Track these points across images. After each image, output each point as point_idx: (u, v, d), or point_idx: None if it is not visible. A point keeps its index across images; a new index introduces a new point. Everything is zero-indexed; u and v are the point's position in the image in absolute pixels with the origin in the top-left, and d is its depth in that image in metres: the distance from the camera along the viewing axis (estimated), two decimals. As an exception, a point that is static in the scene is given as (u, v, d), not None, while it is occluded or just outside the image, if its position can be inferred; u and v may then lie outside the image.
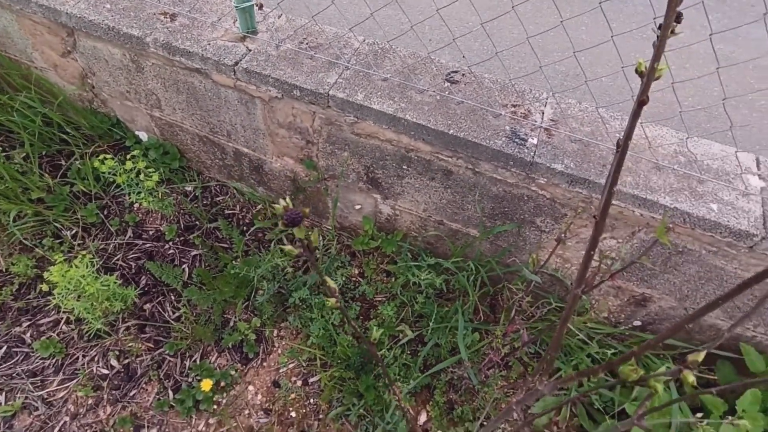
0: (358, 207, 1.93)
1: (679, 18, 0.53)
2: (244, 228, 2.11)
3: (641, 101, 0.60)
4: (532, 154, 1.38)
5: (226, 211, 2.18)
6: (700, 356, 0.66)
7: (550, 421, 1.76)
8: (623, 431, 0.84)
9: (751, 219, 1.29)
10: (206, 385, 1.65)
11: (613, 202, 1.37)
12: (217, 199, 2.21)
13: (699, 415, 1.60)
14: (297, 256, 1.94)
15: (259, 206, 2.19)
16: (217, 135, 1.94)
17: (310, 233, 0.70)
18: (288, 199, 0.68)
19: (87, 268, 1.60)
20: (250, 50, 1.60)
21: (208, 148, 2.05)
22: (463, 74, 1.57)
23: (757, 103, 2.73)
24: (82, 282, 1.57)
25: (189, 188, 2.20)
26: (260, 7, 1.57)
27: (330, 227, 2.04)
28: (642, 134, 1.45)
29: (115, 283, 1.64)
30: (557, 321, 1.62)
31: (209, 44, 1.60)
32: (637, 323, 1.81)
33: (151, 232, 2.08)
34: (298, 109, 1.62)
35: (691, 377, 0.64)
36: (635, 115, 0.63)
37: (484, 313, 1.83)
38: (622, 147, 0.65)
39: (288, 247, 0.74)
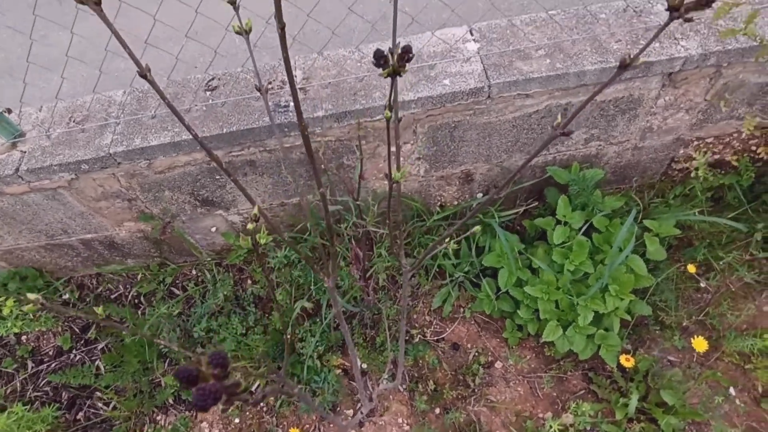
0: (213, 229, 2.06)
1: None
2: (135, 301, 2.19)
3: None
4: (291, 116, 1.57)
5: (112, 296, 2.24)
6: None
7: (453, 307, 2.02)
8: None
9: (475, 77, 1.56)
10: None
11: (377, 117, 1.60)
12: (98, 290, 2.26)
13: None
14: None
15: (139, 275, 2.27)
16: (56, 237, 1.99)
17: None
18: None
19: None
20: (24, 152, 1.66)
21: (57, 252, 2.09)
22: (219, 78, 1.73)
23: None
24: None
25: (66, 296, 2.23)
26: (9, 112, 1.63)
27: (205, 260, 2.17)
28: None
29: (23, 409, 1.70)
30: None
31: (-16, 166, 1.65)
32: (480, 195, 2.09)
33: (50, 352, 2.12)
34: (99, 178, 1.71)
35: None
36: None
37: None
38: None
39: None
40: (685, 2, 0.45)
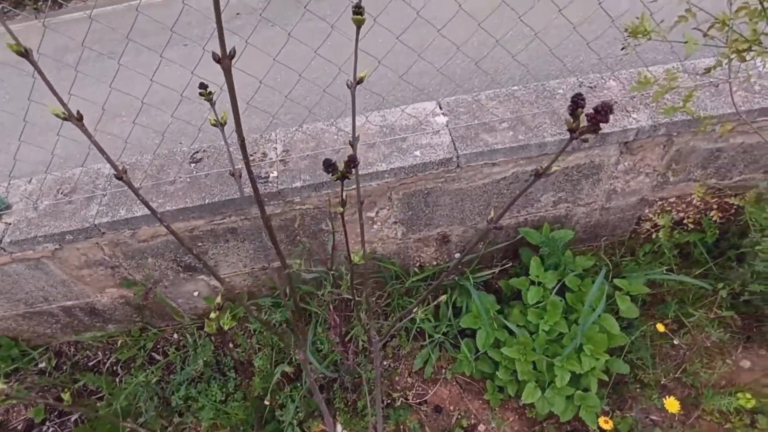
0: (196, 293, 2.08)
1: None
2: (114, 368, 2.16)
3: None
4: (276, 185, 1.65)
5: (90, 363, 2.21)
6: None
7: (434, 368, 2.02)
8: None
9: (444, 148, 1.67)
10: None
11: (353, 186, 1.69)
12: (76, 357, 2.23)
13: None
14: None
15: (119, 341, 2.25)
16: (35, 305, 2.00)
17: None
18: None
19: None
20: (9, 224, 1.71)
21: (36, 320, 2.09)
22: (204, 150, 1.82)
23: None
24: None
25: (42, 364, 2.20)
26: (-2, 185, 1.69)
27: (186, 324, 2.17)
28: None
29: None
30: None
31: (-30, 238, 1.69)
32: (457, 255, 2.15)
33: (19, 427, 2.05)
34: (83, 248, 1.75)
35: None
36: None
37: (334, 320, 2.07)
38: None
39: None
40: (580, 128, 0.53)
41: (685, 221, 2.09)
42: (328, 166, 0.74)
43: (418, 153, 1.67)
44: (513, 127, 1.70)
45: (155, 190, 1.71)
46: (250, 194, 1.63)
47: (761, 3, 1.14)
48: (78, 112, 0.65)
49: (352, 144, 0.87)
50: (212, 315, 0.72)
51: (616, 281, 1.87)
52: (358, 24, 0.80)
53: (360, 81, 0.85)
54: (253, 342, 2.02)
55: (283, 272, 1.89)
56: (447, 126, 1.74)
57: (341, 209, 0.89)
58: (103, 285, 1.95)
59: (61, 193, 1.78)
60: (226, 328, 0.75)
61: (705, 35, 1.19)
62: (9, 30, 0.59)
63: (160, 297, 2.03)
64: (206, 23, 4.94)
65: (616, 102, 1.73)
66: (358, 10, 0.77)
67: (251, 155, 1.76)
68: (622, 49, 1.23)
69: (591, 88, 1.80)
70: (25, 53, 0.59)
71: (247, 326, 2.12)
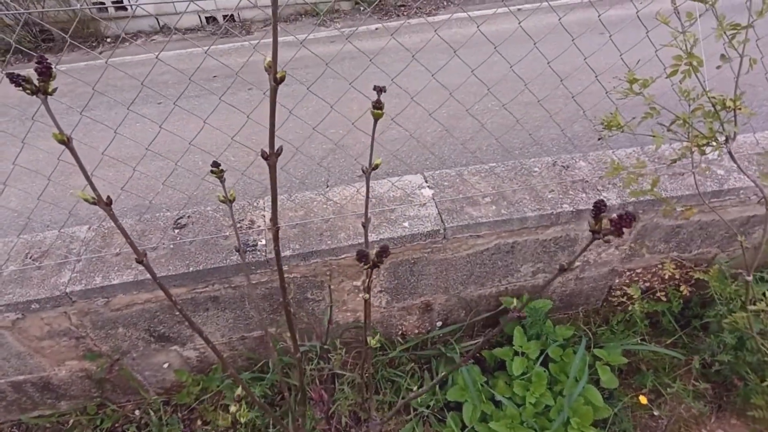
0: (166, 365, 1.95)
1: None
2: (62, 451, 1.94)
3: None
4: (264, 254, 1.63)
5: (35, 447, 1.97)
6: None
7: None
8: None
9: (432, 220, 1.73)
10: None
11: (342, 256, 1.70)
12: (19, 440, 1.99)
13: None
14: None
15: (71, 420, 2.04)
16: (-19, 380, 1.80)
17: None
18: None
19: None
20: (-31, 291, 1.58)
21: (-21, 397, 1.87)
22: (189, 216, 1.79)
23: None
24: None
25: (-22, 449, 1.94)
26: (-39, 249, 1.58)
27: (152, 398, 2.01)
28: (343, 195, 1.83)
29: None
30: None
31: None
32: (439, 323, 2.16)
33: None
34: (49, 317, 1.63)
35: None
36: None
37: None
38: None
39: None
40: (603, 229, 0.58)
41: (653, 291, 2.21)
42: (362, 256, 0.75)
43: (406, 224, 1.71)
44: (495, 202, 1.79)
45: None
46: (236, 263, 1.61)
47: (713, 106, 1.31)
48: (108, 197, 0.65)
49: (364, 225, 0.90)
50: (232, 408, 0.69)
51: (595, 351, 1.91)
52: (376, 117, 0.85)
53: (375, 167, 0.90)
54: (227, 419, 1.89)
55: (276, 330, 1.81)
56: (433, 199, 1.82)
57: (367, 296, 0.89)
58: (63, 357, 1.79)
59: (30, 258, 1.67)
60: (242, 421, 0.72)
61: (668, 130, 1.34)
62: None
63: (126, 370, 1.89)
64: (181, 83, 5.02)
65: (587, 181, 1.87)
66: (378, 105, 0.83)
67: (238, 222, 1.75)
68: (599, 139, 1.37)
69: (564, 167, 1.94)
70: (65, 141, 0.59)
71: (221, 402, 1.99)
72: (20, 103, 4.44)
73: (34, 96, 0.56)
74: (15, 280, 1.61)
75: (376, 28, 6.13)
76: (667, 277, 2.04)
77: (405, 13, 6.54)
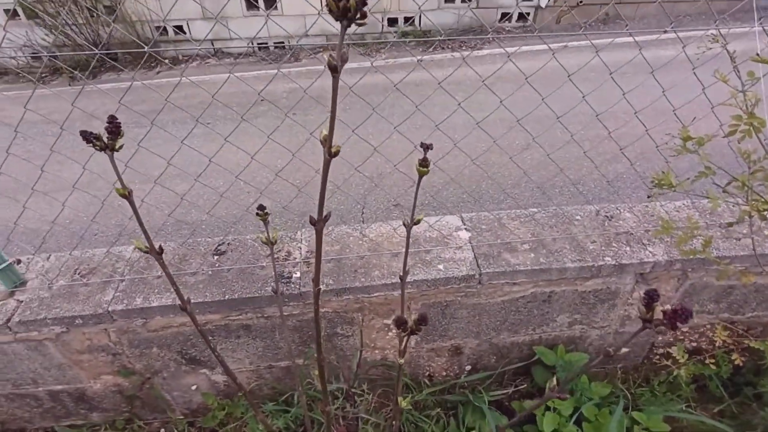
0: (194, 387, 1.98)
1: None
2: (89, 463, 1.98)
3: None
4: (298, 287, 1.65)
5: (64, 456, 2.03)
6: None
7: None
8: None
9: (467, 264, 1.70)
10: None
11: (375, 294, 1.69)
12: (50, 447, 2.05)
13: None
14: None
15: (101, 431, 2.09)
16: (22, 387, 1.88)
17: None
18: None
19: None
20: (21, 302, 1.67)
21: (18, 402, 1.95)
22: (229, 243, 1.84)
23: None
24: None
25: (12, 452, 2.02)
26: (18, 262, 1.68)
27: (178, 418, 2.03)
28: (379, 232, 1.84)
29: None
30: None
31: (-24, 314, 1.64)
32: (468, 367, 2.10)
33: None
34: (90, 332, 1.70)
35: None
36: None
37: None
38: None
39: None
40: (654, 319, 0.55)
41: (700, 353, 2.08)
42: (400, 323, 0.75)
43: (441, 267, 1.69)
44: (534, 249, 1.75)
45: (176, 280, 1.69)
46: (270, 294, 1.63)
47: (775, 169, 1.24)
48: (160, 246, 0.67)
49: (402, 279, 0.89)
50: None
51: (634, 414, 1.80)
52: (422, 175, 0.85)
53: (417, 222, 0.90)
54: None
55: (303, 361, 1.81)
56: (470, 242, 1.79)
57: (401, 360, 0.87)
58: (99, 371, 1.85)
59: (78, 274, 1.76)
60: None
61: (724, 191, 1.28)
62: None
63: (156, 389, 1.93)
64: (229, 105, 5.25)
65: (631, 234, 1.80)
66: (424, 163, 0.83)
67: (275, 253, 1.78)
68: (649, 197, 1.32)
69: (608, 217, 1.88)
70: (126, 195, 0.62)
71: (244, 430, 1.99)
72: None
73: (103, 152, 0.60)
74: (63, 294, 1.69)
75: (420, 60, 6.24)
76: (718, 344, 1.91)
77: (450, 47, 6.64)
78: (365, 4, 0.45)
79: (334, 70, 0.47)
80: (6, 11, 6.48)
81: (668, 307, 0.54)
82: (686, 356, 1.93)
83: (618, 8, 6.77)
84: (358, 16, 0.46)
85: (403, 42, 6.85)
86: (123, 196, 0.60)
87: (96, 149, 0.59)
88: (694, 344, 2.10)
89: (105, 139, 0.60)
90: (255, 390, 2.02)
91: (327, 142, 0.53)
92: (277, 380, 1.98)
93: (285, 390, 2.02)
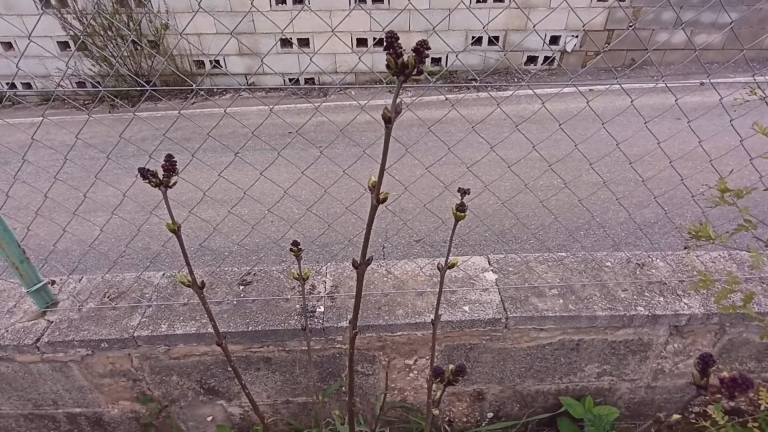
0: (210, 418, 1.95)
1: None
2: (99, 492, 1.95)
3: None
4: (321, 321, 1.64)
5: (75, 482, 2.00)
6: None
7: None
8: None
9: (494, 307, 1.67)
10: None
11: (398, 333, 1.66)
12: (62, 471, 2.04)
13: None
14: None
15: (113, 459, 2.06)
16: (42, 407, 1.89)
17: None
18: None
19: None
20: (51, 322, 1.70)
21: (37, 423, 1.96)
22: (255, 274, 1.86)
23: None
24: None
25: (25, 474, 2.00)
26: (52, 283, 1.73)
27: (191, 449, 2.00)
28: (404, 270, 1.83)
29: None
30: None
31: (7, 331, 1.67)
32: (490, 414, 2.02)
33: None
34: (113, 357, 1.71)
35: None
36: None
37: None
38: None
39: None
40: (710, 386, 0.53)
41: (740, 413, 1.95)
42: (438, 374, 0.73)
43: (467, 308, 1.67)
44: (562, 295, 1.71)
45: (200, 310, 1.71)
46: (293, 327, 1.62)
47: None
48: (202, 282, 0.68)
49: (434, 323, 0.88)
50: None
51: (668, 478, 1.69)
52: (458, 219, 0.86)
53: (451, 266, 0.89)
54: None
55: (320, 398, 1.78)
56: (496, 284, 1.76)
57: (437, 411, 0.85)
58: (118, 396, 1.85)
59: (107, 297, 1.79)
60: None
61: (767, 246, 1.23)
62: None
63: (172, 418, 1.91)
64: (260, 136, 5.42)
65: (665, 283, 1.74)
66: (461, 208, 0.84)
67: (299, 286, 1.78)
68: (685, 248, 1.28)
69: (640, 265, 1.83)
70: (176, 231, 0.64)
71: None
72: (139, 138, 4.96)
73: (158, 188, 0.63)
74: (92, 317, 1.71)
75: (446, 99, 6.37)
76: (762, 407, 1.80)
77: (475, 87, 6.77)
78: (423, 62, 0.47)
79: (388, 121, 0.48)
80: (59, 43, 6.93)
81: (725, 374, 0.51)
82: (725, 417, 1.82)
83: (644, 53, 6.83)
84: (415, 72, 0.48)
85: (433, 84, 7.02)
86: (172, 231, 0.62)
87: (151, 185, 0.62)
88: (732, 404, 1.98)
89: (160, 176, 0.62)
90: (270, 426, 1.98)
91: (375, 189, 0.54)
92: (294, 416, 1.94)
93: (300, 427, 1.98)
